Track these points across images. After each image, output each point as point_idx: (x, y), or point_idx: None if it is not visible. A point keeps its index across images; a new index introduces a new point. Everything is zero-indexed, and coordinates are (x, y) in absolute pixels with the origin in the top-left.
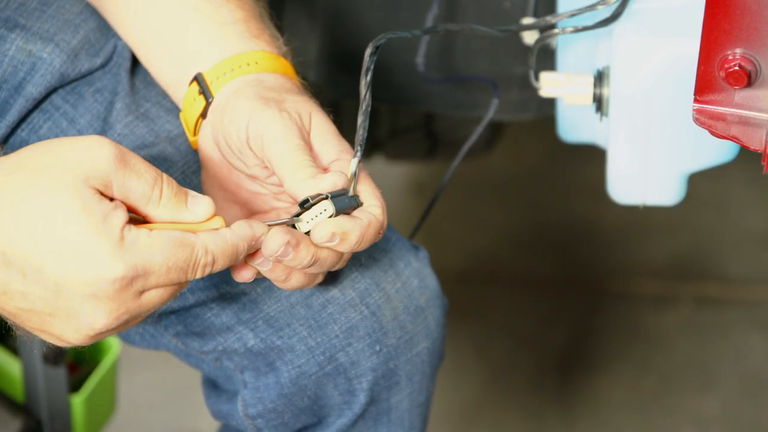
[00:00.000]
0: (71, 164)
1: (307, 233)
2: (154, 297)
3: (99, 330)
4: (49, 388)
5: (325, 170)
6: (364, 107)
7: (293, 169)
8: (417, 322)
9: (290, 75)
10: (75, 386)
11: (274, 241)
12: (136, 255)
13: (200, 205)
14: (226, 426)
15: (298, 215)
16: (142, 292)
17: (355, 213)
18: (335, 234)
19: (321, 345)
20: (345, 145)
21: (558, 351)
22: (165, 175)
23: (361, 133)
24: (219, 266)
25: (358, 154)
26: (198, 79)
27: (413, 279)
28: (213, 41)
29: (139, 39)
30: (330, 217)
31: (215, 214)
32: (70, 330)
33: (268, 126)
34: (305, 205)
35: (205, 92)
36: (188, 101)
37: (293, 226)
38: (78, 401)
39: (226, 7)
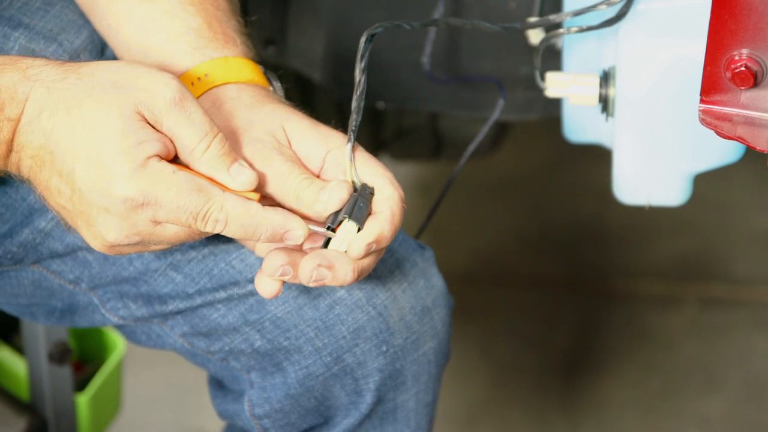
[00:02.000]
0: (132, 88)
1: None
2: (168, 230)
3: (111, 242)
4: (55, 388)
5: (319, 172)
6: (358, 93)
7: (296, 198)
8: (423, 322)
9: (245, 77)
10: (80, 385)
11: (305, 267)
12: (151, 184)
13: (242, 175)
14: (232, 426)
15: (328, 240)
16: (156, 222)
17: (374, 205)
18: (370, 243)
19: (328, 346)
20: (328, 134)
21: (563, 351)
22: (220, 135)
23: (354, 118)
24: (230, 231)
25: (352, 139)
26: None
27: (419, 279)
28: (166, 57)
29: (118, 51)
30: (358, 231)
31: (255, 191)
32: (90, 235)
33: (251, 164)
34: (330, 228)
35: None
36: None
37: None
38: (83, 400)
39: (182, 15)
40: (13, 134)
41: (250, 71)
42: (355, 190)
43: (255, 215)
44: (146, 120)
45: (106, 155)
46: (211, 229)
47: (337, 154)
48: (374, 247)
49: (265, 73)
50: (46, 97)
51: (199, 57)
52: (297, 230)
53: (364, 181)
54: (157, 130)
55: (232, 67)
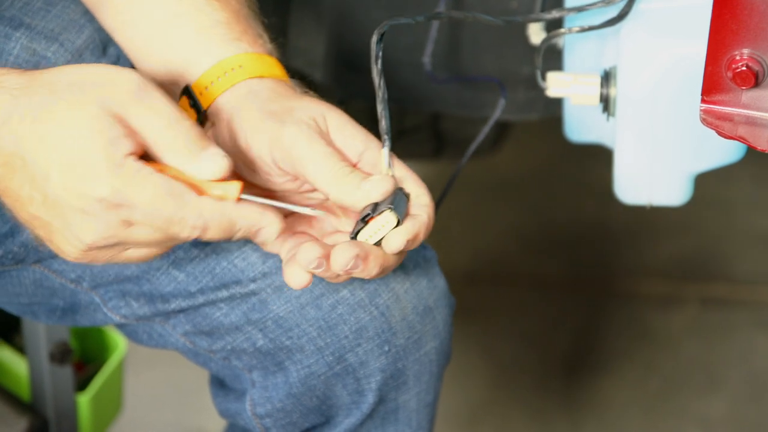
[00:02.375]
0: (95, 86)
1: (377, 243)
2: (142, 233)
3: (88, 244)
4: (56, 388)
5: (355, 166)
6: (380, 95)
7: (335, 182)
8: (425, 321)
9: (277, 74)
10: (81, 385)
11: (343, 256)
12: (127, 184)
13: (206, 161)
14: (233, 425)
15: (358, 230)
16: (131, 223)
17: (411, 209)
18: (408, 240)
19: (330, 345)
20: (367, 134)
21: (564, 351)
22: (189, 121)
23: (384, 122)
24: (210, 236)
25: (387, 143)
26: (187, 92)
27: (422, 279)
28: (195, 48)
29: (131, 46)
30: (395, 227)
31: (230, 178)
32: (65, 242)
33: (293, 144)
34: (366, 218)
35: (195, 105)
36: None
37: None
38: (84, 400)
39: (207, 10)
40: None
41: (280, 71)
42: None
43: (229, 216)
44: (115, 117)
45: (80, 155)
46: (188, 236)
47: (373, 155)
48: (409, 245)
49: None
50: (12, 103)
51: (233, 48)
52: (270, 227)
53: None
54: (128, 126)
55: (266, 63)
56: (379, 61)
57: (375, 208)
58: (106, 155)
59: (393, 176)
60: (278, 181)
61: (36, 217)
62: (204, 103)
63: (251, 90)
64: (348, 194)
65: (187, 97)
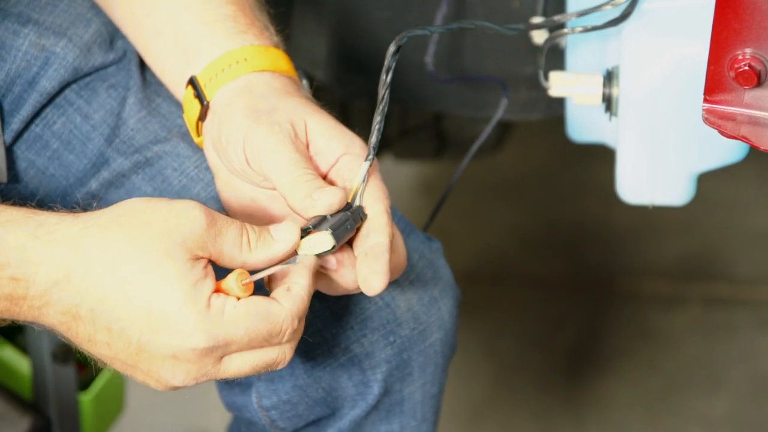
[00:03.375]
0: (169, 225)
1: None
2: (235, 362)
3: (176, 385)
4: (58, 387)
5: (326, 175)
6: (381, 107)
7: (291, 187)
8: (430, 313)
9: (282, 67)
10: (84, 385)
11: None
12: (220, 326)
13: (284, 232)
14: (239, 418)
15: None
16: (222, 357)
17: (373, 232)
18: (386, 276)
19: (336, 336)
20: (350, 137)
21: (566, 350)
22: (245, 223)
23: (375, 137)
24: (299, 321)
25: (370, 157)
26: (192, 82)
27: (427, 270)
28: (202, 40)
29: (139, 39)
30: (332, 248)
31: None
32: (151, 381)
33: (262, 145)
34: (307, 231)
35: (200, 96)
36: (186, 104)
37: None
38: (86, 400)
39: (214, 3)
40: (25, 292)
41: (286, 63)
42: (349, 207)
43: (306, 298)
44: (194, 257)
45: (164, 309)
46: (289, 338)
47: (351, 159)
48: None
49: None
50: (72, 259)
51: (240, 41)
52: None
53: (364, 205)
54: (202, 259)
55: (271, 56)
56: (390, 73)
57: (318, 222)
58: (193, 303)
59: (345, 190)
60: (255, 180)
61: (114, 359)
62: (208, 95)
63: (248, 84)
64: (298, 200)
65: (192, 87)
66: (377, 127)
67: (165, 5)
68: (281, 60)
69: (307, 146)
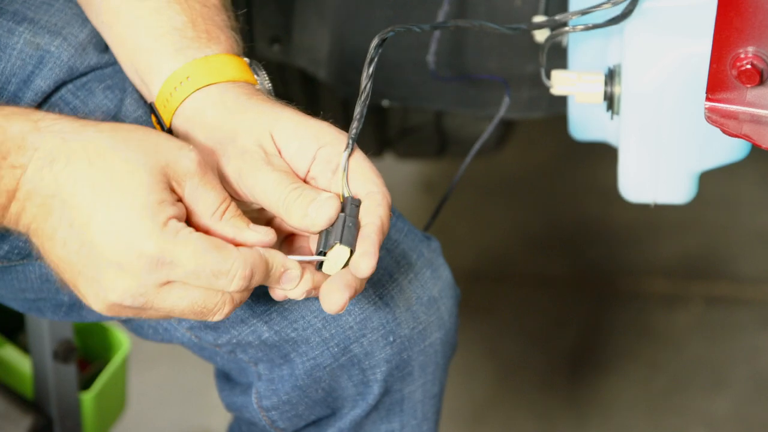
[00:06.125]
0: (157, 151)
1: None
2: (175, 293)
3: (114, 301)
4: (60, 386)
5: (305, 178)
6: (362, 98)
7: (285, 211)
8: (430, 312)
9: (227, 75)
10: (85, 384)
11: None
12: (170, 242)
13: (261, 229)
14: (239, 419)
15: (321, 263)
16: (165, 283)
17: (362, 214)
18: (374, 257)
19: (335, 336)
20: (319, 128)
21: (568, 350)
22: (231, 199)
23: (355, 126)
24: (254, 282)
25: (349, 148)
26: (153, 111)
27: (426, 269)
28: (152, 55)
29: (113, 48)
30: (351, 254)
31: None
32: (91, 293)
33: (239, 177)
34: (320, 253)
35: (161, 123)
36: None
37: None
38: (88, 398)
39: (167, 14)
40: (17, 183)
41: (234, 68)
42: (342, 208)
43: (267, 258)
44: (170, 185)
45: (127, 212)
46: (236, 286)
47: (328, 150)
48: (376, 257)
49: (250, 65)
50: (60, 147)
51: (182, 59)
52: (294, 269)
53: (353, 192)
54: (179, 196)
55: (213, 66)
56: (372, 65)
57: (326, 242)
58: (154, 214)
59: (338, 194)
60: (251, 207)
61: (66, 261)
62: (166, 120)
63: (197, 110)
64: (296, 222)
65: (154, 115)
66: (358, 117)
67: (125, 15)
68: (227, 67)
69: (280, 153)
